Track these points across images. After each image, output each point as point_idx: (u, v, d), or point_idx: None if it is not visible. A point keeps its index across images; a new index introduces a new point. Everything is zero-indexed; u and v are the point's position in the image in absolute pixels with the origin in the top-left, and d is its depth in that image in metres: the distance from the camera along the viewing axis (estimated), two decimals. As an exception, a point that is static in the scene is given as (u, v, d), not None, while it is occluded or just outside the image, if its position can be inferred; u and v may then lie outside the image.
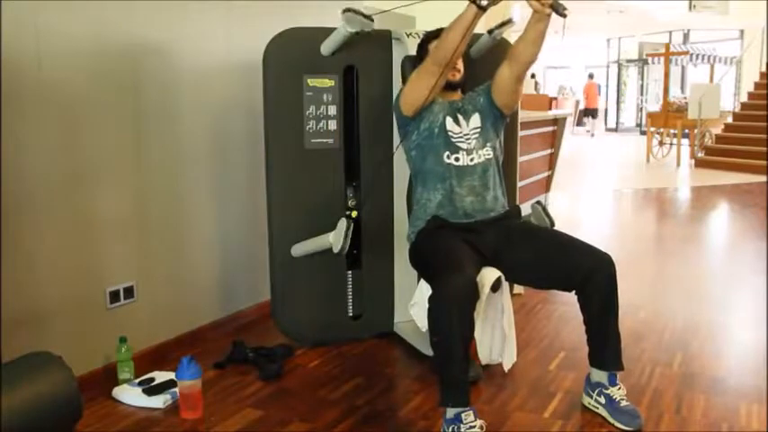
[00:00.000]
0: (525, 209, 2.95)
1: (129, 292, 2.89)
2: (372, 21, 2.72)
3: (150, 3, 2.88)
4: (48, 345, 2.32)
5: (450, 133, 2.67)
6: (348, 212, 2.84)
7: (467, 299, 2.26)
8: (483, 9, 2.33)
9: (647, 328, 3.38)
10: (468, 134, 2.69)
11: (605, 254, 2.46)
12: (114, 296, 2.83)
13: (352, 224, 2.67)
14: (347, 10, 2.69)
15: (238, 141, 3.39)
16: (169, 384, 2.63)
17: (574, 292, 2.50)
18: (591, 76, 19.19)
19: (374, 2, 2.83)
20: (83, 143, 2.67)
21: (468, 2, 2.33)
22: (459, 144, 2.67)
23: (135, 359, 2.78)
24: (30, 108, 2.47)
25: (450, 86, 2.74)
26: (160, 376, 2.72)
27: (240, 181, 3.42)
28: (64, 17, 2.56)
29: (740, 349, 3.23)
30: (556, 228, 2.77)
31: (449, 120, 2.69)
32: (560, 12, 2.39)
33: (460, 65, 2.75)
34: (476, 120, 2.73)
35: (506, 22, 2.93)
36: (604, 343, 2.49)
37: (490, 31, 2.96)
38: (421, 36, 2.90)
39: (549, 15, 2.43)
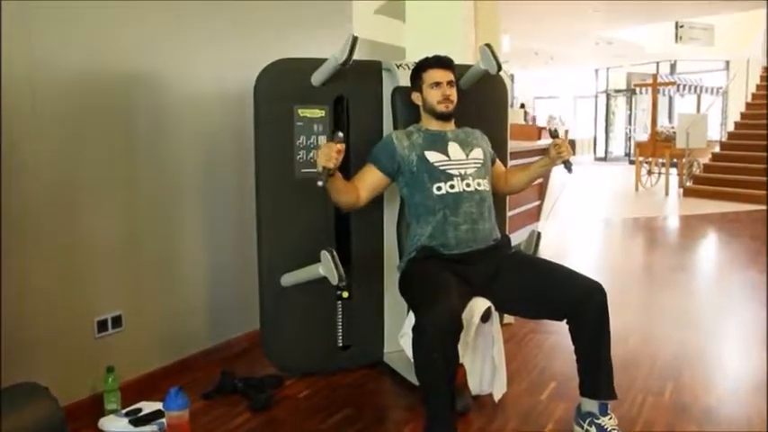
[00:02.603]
0: (515, 238, 2.96)
1: (116, 321, 2.87)
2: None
3: (143, 33, 2.90)
4: (35, 374, 2.28)
5: (436, 164, 2.69)
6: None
7: (449, 330, 2.23)
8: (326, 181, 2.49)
9: (637, 356, 3.38)
10: (465, 161, 2.72)
11: (596, 282, 2.47)
12: (102, 325, 2.81)
13: (335, 253, 2.68)
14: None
15: (229, 170, 3.39)
16: (156, 415, 2.60)
17: (565, 321, 2.50)
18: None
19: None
20: (73, 172, 2.67)
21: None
22: (450, 171, 2.68)
23: (122, 389, 2.75)
24: (21, 137, 2.47)
25: (442, 116, 2.77)
26: (147, 407, 2.68)
27: (230, 210, 3.41)
28: (58, 48, 2.58)
29: (731, 379, 3.23)
30: (546, 257, 2.78)
31: (428, 153, 2.71)
32: (568, 168, 2.77)
33: (454, 95, 2.78)
34: (478, 152, 2.78)
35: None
36: (596, 372, 2.48)
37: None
38: (411, 67, 2.93)
39: (558, 164, 2.81)
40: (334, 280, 2.67)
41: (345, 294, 3.10)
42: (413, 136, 2.77)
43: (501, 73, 3.04)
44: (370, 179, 2.75)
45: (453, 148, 2.73)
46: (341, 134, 2.47)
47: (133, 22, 2.86)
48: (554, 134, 2.79)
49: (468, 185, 2.68)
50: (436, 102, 2.76)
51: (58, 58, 2.58)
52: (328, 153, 2.43)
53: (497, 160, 2.99)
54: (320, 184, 2.45)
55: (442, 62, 2.80)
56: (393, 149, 2.74)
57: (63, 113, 2.62)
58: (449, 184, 2.67)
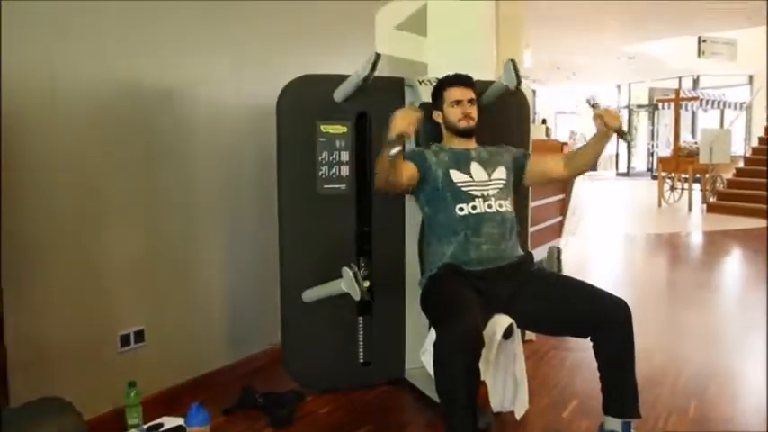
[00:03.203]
0: (538, 254, 2.94)
1: (139, 335, 2.89)
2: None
3: (165, 47, 2.94)
4: (58, 389, 2.30)
5: (459, 184, 2.69)
6: (358, 273, 2.78)
7: (470, 347, 2.22)
8: (401, 150, 2.36)
9: (661, 373, 3.34)
10: (487, 181, 2.71)
11: (620, 299, 2.45)
12: (125, 340, 2.83)
13: (357, 269, 2.68)
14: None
15: (250, 186, 3.41)
16: (178, 430, 2.60)
17: (589, 338, 2.48)
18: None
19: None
20: (94, 186, 2.70)
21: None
22: (472, 192, 2.68)
23: (144, 404, 2.75)
24: (41, 149, 2.50)
25: (463, 133, 2.78)
26: (169, 422, 2.68)
27: (252, 225, 3.43)
28: (79, 60, 2.61)
29: (756, 396, 3.18)
30: (569, 273, 2.76)
31: (453, 172, 2.71)
32: (624, 136, 2.59)
33: (474, 113, 2.78)
34: (501, 172, 2.77)
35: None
36: (620, 390, 2.45)
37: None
38: (433, 83, 2.94)
39: (611, 135, 2.62)
40: (357, 295, 2.68)
41: (367, 284, 3.02)
42: (439, 154, 2.77)
43: (523, 88, 3.04)
44: (407, 169, 2.67)
45: (476, 169, 2.73)
46: (417, 104, 2.36)
47: (157, 37, 2.90)
48: (593, 105, 2.65)
49: (489, 207, 2.67)
50: (457, 119, 2.77)
51: (79, 70, 2.61)
52: (410, 119, 2.36)
53: (531, 156, 2.92)
54: (394, 152, 2.32)
55: (461, 80, 2.81)
56: (425, 157, 2.73)
57: (82, 127, 2.64)
58: (471, 205, 2.66)
